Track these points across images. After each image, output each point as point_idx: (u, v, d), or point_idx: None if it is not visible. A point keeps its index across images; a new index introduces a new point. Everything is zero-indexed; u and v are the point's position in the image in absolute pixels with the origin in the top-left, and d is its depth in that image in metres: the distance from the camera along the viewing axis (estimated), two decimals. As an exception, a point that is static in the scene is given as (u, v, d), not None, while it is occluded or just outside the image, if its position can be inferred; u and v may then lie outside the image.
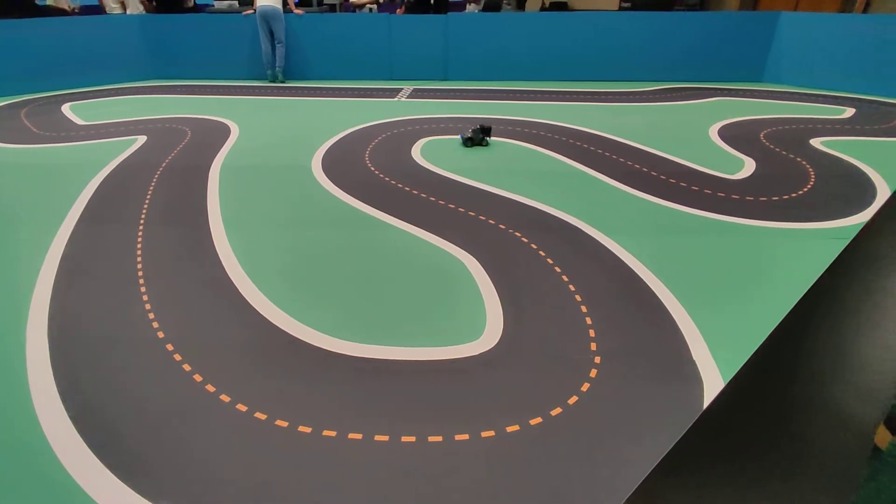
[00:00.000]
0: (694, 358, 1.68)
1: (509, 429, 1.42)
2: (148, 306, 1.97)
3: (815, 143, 4.06)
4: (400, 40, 6.92)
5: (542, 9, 10.30)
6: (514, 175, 3.36)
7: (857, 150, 3.83)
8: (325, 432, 1.40)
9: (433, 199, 2.98)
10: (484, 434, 1.40)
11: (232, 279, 2.17)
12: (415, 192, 3.09)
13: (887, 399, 0.33)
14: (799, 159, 3.67)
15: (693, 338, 1.78)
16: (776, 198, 2.99)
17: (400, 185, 3.19)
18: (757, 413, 0.31)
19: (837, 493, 0.25)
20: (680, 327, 1.84)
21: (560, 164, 3.61)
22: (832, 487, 0.26)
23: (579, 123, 4.66)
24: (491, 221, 2.68)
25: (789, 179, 3.28)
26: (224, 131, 4.51)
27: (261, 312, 1.94)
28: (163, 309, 1.96)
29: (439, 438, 1.38)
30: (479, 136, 3.98)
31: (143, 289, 2.09)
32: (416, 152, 3.85)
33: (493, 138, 4.18)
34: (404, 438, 1.38)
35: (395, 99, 5.87)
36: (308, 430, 1.41)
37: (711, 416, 0.34)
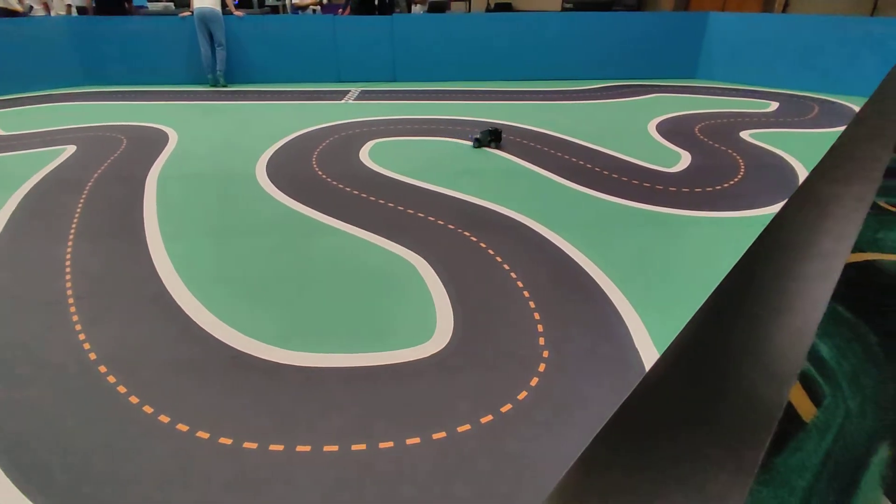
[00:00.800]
0: (637, 347, 1.75)
1: (460, 429, 1.42)
2: (78, 327, 1.86)
3: (745, 135, 4.30)
4: (346, 42, 6.82)
5: (488, 9, 10.43)
6: (461, 175, 3.39)
7: (782, 141, 4.09)
8: (272, 447, 1.36)
9: (382, 201, 2.96)
10: (435, 436, 1.40)
11: (171, 293, 2.07)
12: (363, 195, 3.06)
13: (793, 377, 0.36)
14: (730, 151, 3.87)
15: (636, 328, 1.85)
16: (710, 189, 3.15)
17: (348, 189, 3.15)
18: (672, 399, 0.33)
19: (740, 472, 0.27)
20: (623, 318, 1.91)
21: (507, 163, 3.67)
22: (734, 466, 0.28)
23: (525, 122, 4.74)
24: (440, 222, 2.69)
25: (722, 171, 3.46)
26: (162, 139, 4.31)
27: (202, 326, 1.86)
28: (94, 329, 1.85)
29: (390, 444, 1.37)
30: (486, 138, 3.99)
31: (72, 308, 1.97)
32: (365, 155, 3.81)
33: (440, 139, 4.19)
34: (354, 447, 1.36)
35: (343, 101, 5.79)
36: (254, 445, 1.37)
37: (630, 406, 0.36)
